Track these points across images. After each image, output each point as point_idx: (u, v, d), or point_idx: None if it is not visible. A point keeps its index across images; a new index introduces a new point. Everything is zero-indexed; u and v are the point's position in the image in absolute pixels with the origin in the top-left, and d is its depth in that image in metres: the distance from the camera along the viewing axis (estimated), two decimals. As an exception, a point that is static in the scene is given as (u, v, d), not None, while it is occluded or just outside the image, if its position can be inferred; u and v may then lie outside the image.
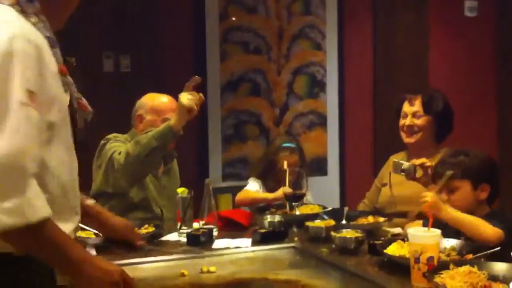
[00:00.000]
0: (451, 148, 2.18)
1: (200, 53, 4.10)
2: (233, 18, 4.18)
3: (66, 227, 1.32)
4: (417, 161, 2.33)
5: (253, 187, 2.93)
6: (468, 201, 2.01)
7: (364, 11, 4.47)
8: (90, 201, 1.70)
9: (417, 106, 2.59)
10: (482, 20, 4.38)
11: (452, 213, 1.90)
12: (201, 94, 2.39)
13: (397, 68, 4.29)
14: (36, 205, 1.19)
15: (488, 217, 1.93)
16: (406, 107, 2.63)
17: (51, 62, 1.32)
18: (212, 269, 1.83)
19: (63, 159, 1.33)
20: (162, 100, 2.72)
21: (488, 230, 1.85)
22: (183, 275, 1.77)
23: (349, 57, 4.44)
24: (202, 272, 1.82)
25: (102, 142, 2.57)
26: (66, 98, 1.38)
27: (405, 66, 4.24)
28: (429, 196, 1.92)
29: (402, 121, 2.64)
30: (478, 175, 2.02)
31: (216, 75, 4.14)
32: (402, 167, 2.34)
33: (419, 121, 2.59)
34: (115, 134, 2.62)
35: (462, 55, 4.39)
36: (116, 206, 2.48)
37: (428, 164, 2.30)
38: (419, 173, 2.33)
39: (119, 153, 2.39)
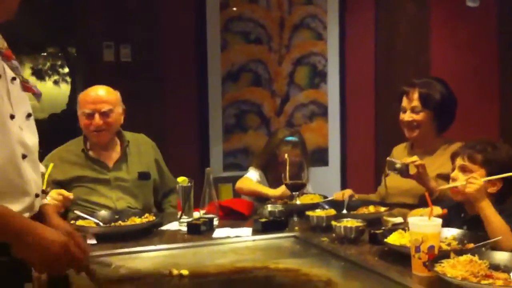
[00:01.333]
0: (482, 137, 2.13)
1: (201, 42, 4.08)
2: (234, 8, 4.16)
3: (13, 207, 1.33)
4: (408, 159, 2.36)
5: (253, 176, 2.93)
6: None
7: (365, 1, 4.45)
8: (44, 200, 1.64)
9: (415, 101, 2.56)
10: (484, 10, 4.35)
11: (489, 209, 1.86)
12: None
13: (398, 59, 4.27)
14: None
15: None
16: (405, 102, 2.60)
17: None
18: (184, 272, 1.67)
19: None
20: (86, 92, 2.62)
21: (509, 244, 1.78)
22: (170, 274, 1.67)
23: (350, 47, 4.43)
24: (170, 275, 1.66)
25: None
26: None
27: (406, 56, 4.22)
28: (477, 184, 1.90)
29: (402, 116, 2.61)
30: (496, 168, 1.97)
31: (217, 65, 4.13)
32: (395, 166, 2.38)
33: (418, 117, 2.56)
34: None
35: (464, 45, 4.37)
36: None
37: (418, 162, 2.32)
38: (413, 170, 2.34)
39: None
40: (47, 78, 12.36)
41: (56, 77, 12.37)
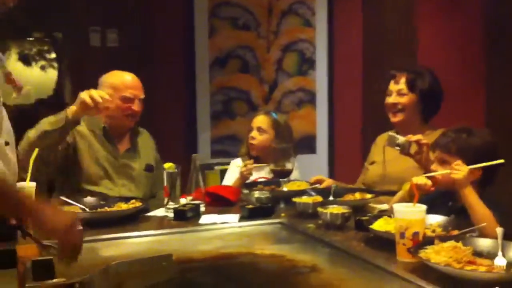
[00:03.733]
0: (459, 124, 2.13)
1: (189, 28, 4.06)
2: (222, -6, 4.14)
3: None
4: (413, 137, 2.30)
5: (234, 166, 2.93)
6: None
7: (354, -12, 4.44)
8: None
9: (402, 84, 2.57)
10: (471, 4, 4.36)
11: (473, 196, 1.87)
12: (104, 100, 2.34)
13: (386, 46, 4.27)
14: None
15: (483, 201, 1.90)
16: (392, 85, 2.61)
17: None
18: None
19: None
20: (123, 76, 2.67)
21: (493, 231, 1.76)
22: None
23: (338, 34, 4.42)
24: None
25: None
26: None
27: (394, 44, 4.22)
28: (463, 171, 1.90)
29: (387, 99, 2.63)
30: (472, 156, 1.97)
31: (204, 51, 4.10)
32: (397, 141, 2.31)
33: (403, 99, 2.57)
34: None
35: (451, 35, 4.37)
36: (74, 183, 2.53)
37: (425, 141, 2.28)
38: (413, 149, 2.32)
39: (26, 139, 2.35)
40: (33, 64, 12.24)
41: (43, 62, 12.24)
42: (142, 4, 3.88)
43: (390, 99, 2.60)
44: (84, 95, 2.33)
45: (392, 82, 2.62)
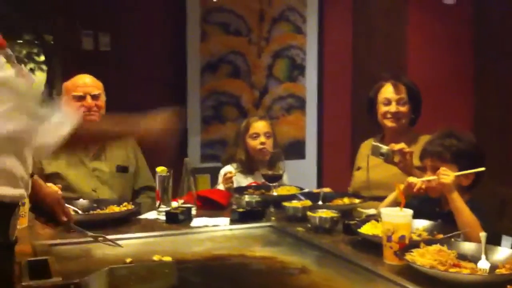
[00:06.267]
0: (444, 129, 2.18)
1: (180, 33, 4.09)
2: (214, 0, 4.17)
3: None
4: (396, 146, 2.35)
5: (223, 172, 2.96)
6: None
7: (344, -4, 4.50)
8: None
9: (404, 92, 2.62)
10: (460, 8, 4.43)
11: (460, 201, 1.93)
12: None
13: (376, 53, 4.34)
14: None
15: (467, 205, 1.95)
16: (390, 94, 2.64)
17: None
18: (166, 259, 1.71)
19: None
20: (74, 78, 2.75)
21: (477, 235, 1.76)
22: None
23: (328, 41, 4.48)
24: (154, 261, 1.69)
25: None
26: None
27: (384, 51, 4.29)
28: (451, 176, 1.95)
29: (385, 108, 2.64)
30: (466, 161, 2.03)
31: (196, 55, 4.14)
32: (381, 151, 2.37)
33: (403, 108, 2.62)
34: None
35: (440, 42, 4.44)
36: None
37: (407, 150, 2.34)
38: (397, 157, 2.37)
39: None
40: (22, 66, 12.14)
41: (31, 65, 12.17)
42: (135, 8, 3.91)
43: (392, 108, 2.63)
44: None
45: (389, 90, 2.64)
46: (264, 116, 3.08)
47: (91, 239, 1.82)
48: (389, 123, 2.65)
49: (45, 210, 1.73)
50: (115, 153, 2.77)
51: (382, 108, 2.65)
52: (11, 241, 1.38)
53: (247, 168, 2.95)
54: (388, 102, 2.64)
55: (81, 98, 2.67)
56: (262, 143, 2.91)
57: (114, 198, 2.54)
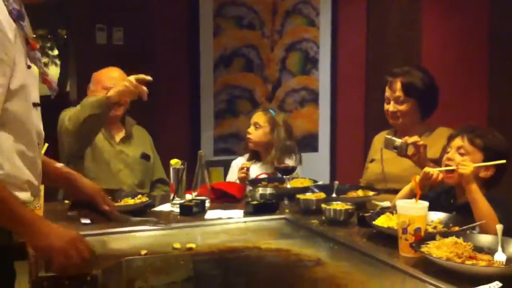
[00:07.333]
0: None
1: (194, 27, 4.09)
2: (227, -7, 4.17)
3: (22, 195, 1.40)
4: (410, 139, 2.32)
5: (232, 172, 3.00)
6: None
7: (358, -12, 4.47)
8: (59, 164, 1.75)
9: (398, 91, 2.57)
10: (476, 3, 4.39)
11: (478, 192, 1.91)
12: (143, 88, 2.50)
13: (389, 46, 4.31)
14: None
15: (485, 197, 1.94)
16: (388, 92, 2.62)
17: (11, 32, 1.37)
18: (191, 245, 1.76)
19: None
20: (104, 70, 2.85)
21: (494, 227, 1.73)
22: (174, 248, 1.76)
23: (342, 34, 4.46)
24: (174, 248, 1.74)
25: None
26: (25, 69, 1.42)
27: (397, 43, 4.26)
28: (470, 167, 1.93)
29: (386, 106, 2.63)
30: (494, 155, 2.00)
31: (209, 49, 4.14)
32: (395, 144, 2.35)
33: (402, 107, 2.58)
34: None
35: (455, 35, 4.41)
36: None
37: (421, 143, 2.32)
38: (411, 150, 2.35)
39: (69, 117, 2.61)
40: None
41: (45, 59, 12.27)
42: (148, 3, 3.91)
43: (390, 107, 2.61)
44: (123, 83, 2.50)
45: (387, 88, 2.62)
46: (267, 108, 3.09)
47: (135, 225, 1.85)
48: (390, 121, 2.65)
49: (85, 203, 1.74)
50: (139, 141, 2.91)
51: (384, 106, 2.65)
52: (15, 243, 1.40)
53: (255, 157, 3.00)
54: (388, 101, 2.63)
55: (110, 89, 2.69)
56: (248, 133, 2.98)
57: (129, 190, 2.56)
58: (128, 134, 2.88)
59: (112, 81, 2.73)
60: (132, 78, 2.50)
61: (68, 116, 2.61)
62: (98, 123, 2.58)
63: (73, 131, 2.56)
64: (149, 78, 2.51)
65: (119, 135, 2.87)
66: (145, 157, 2.89)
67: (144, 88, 2.50)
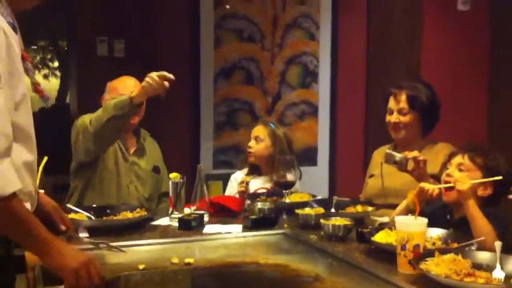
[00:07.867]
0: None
1: (195, 39, 4.11)
2: (227, 6, 4.19)
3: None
4: (410, 154, 2.32)
5: (233, 179, 3.00)
6: None
7: (358, 2, 4.50)
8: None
9: (403, 102, 2.59)
10: (475, 14, 4.40)
11: (475, 209, 1.91)
12: (165, 83, 2.46)
13: (389, 61, 4.32)
14: (8, 178, 1.28)
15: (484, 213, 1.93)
16: (392, 103, 2.63)
17: (16, 45, 1.39)
18: (189, 261, 1.76)
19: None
20: (120, 79, 2.86)
21: (492, 244, 1.72)
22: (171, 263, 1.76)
23: (342, 48, 4.47)
24: (172, 263, 1.74)
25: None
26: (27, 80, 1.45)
27: (398, 58, 4.27)
28: (468, 183, 1.94)
29: (388, 117, 2.65)
30: (491, 175, 2.00)
31: (210, 62, 4.15)
32: (395, 159, 2.35)
33: (405, 118, 2.60)
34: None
35: (455, 49, 4.42)
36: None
37: (421, 158, 2.32)
38: (411, 165, 2.35)
39: (90, 120, 2.58)
40: (36, 72, 12.26)
41: (46, 71, 12.31)
42: (149, 15, 3.93)
43: (392, 118, 2.62)
44: (148, 80, 2.45)
45: (392, 99, 2.64)
46: (267, 122, 3.07)
47: (92, 246, 1.82)
48: (391, 133, 2.65)
49: (44, 219, 1.68)
50: (151, 153, 2.91)
51: (386, 118, 2.65)
52: (13, 254, 1.40)
53: (255, 171, 2.98)
54: (390, 112, 2.64)
55: None
56: (249, 147, 2.96)
57: (128, 204, 2.54)
58: (141, 146, 2.88)
59: (129, 88, 2.70)
60: (153, 74, 2.45)
61: (89, 119, 2.56)
62: (120, 125, 2.52)
63: (94, 133, 2.51)
64: (171, 76, 2.45)
65: (132, 147, 2.86)
66: (156, 170, 2.88)
67: (166, 83, 2.44)
